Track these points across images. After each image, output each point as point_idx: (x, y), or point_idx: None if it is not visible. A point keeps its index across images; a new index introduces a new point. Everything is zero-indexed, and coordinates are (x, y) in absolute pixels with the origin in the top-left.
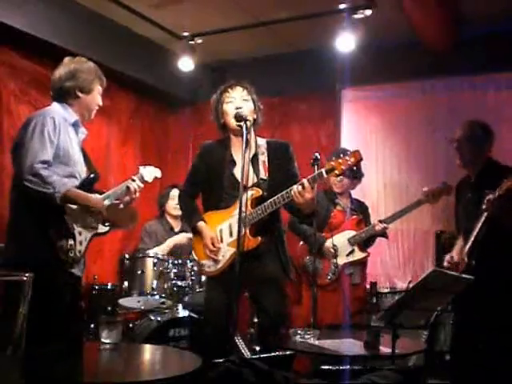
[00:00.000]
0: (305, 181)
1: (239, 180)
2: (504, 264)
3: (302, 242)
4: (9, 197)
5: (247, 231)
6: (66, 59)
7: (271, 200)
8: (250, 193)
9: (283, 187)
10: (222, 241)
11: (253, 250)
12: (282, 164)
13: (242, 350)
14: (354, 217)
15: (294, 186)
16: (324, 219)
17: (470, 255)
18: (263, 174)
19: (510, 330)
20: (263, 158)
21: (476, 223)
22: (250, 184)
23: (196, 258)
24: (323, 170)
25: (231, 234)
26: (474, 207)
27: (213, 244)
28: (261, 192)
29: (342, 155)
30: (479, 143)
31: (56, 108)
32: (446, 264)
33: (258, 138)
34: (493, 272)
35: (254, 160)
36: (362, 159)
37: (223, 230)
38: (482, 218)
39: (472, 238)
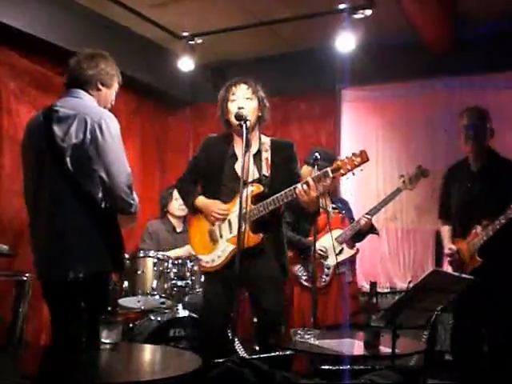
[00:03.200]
0: (309, 179)
1: (240, 175)
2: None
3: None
4: (55, 207)
5: (248, 228)
6: (88, 50)
7: (273, 197)
8: (250, 189)
9: (285, 185)
10: (221, 236)
11: (253, 248)
12: (284, 163)
13: (239, 352)
14: (338, 215)
15: (299, 185)
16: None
17: (482, 253)
18: (265, 171)
19: None
20: (266, 155)
21: (492, 223)
22: (250, 180)
23: (193, 251)
24: (329, 169)
25: (231, 231)
26: (475, 198)
27: (220, 209)
28: (262, 188)
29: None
30: (487, 132)
31: (95, 103)
32: (448, 258)
33: (262, 136)
34: (503, 273)
35: (257, 156)
36: (368, 159)
37: (222, 226)
38: (503, 220)
39: (485, 238)
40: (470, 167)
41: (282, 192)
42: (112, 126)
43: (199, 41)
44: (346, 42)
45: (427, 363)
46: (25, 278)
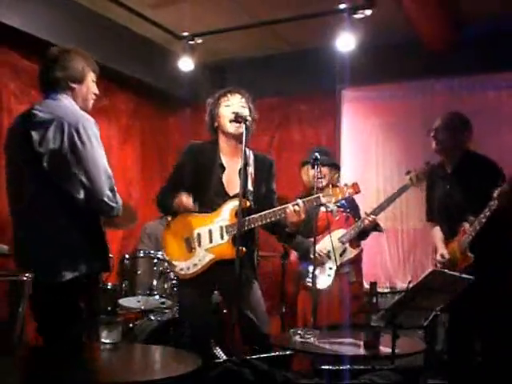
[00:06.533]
0: (300, 201)
1: (226, 187)
2: (503, 258)
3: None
4: (38, 209)
5: (230, 240)
6: (53, 49)
7: (262, 214)
8: (236, 202)
9: (263, 202)
10: (199, 245)
11: (232, 259)
12: (265, 179)
13: (220, 357)
14: (342, 214)
15: (289, 205)
16: (311, 224)
17: (471, 249)
18: (250, 186)
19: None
20: (250, 169)
21: (478, 217)
22: (236, 193)
23: (167, 257)
24: (321, 195)
25: (211, 240)
26: (454, 198)
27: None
28: (248, 204)
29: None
30: (456, 132)
31: (72, 104)
32: (438, 265)
33: (246, 149)
34: (492, 266)
35: (243, 170)
36: (360, 192)
37: (201, 235)
38: (487, 213)
39: (473, 233)
40: (446, 168)
41: (271, 210)
42: (90, 129)
43: (199, 41)
44: (346, 42)
45: (427, 363)
46: (24, 278)
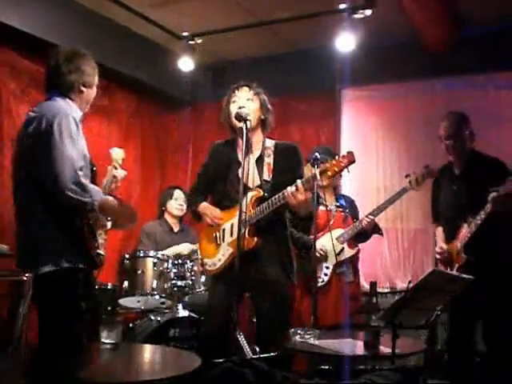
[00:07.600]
0: (298, 181)
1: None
2: (502, 257)
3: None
4: (24, 204)
5: (247, 232)
6: (64, 49)
7: (268, 202)
8: (250, 194)
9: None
10: (223, 240)
11: (251, 250)
12: (288, 167)
13: (244, 349)
14: (340, 214)
15: (288, 188)
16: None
17: (467, 250)
18: (267, 176)
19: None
20: (269, 160)
21: (474, 219)
22: (252, 185)
23: (200, 256)
24: (316, 172)
25: (231, 234)
26: (460, 199)
27: (214, 216)
28: (262, 193)
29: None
30: (459, 132)
31: (64, 105)
32: (438, 256)
33: (267, 140)
34: (491, 266)
35: (259, 161)
36: (354, 161)
37: (226, 230)
38: (483, 215)
39: (469, 235)
40: (454, 170)
41: (276, 196)
42: (64, 124)
43: (199, 41)
44: (346, 42)
45: (427, 363)
46: (25, 278)
